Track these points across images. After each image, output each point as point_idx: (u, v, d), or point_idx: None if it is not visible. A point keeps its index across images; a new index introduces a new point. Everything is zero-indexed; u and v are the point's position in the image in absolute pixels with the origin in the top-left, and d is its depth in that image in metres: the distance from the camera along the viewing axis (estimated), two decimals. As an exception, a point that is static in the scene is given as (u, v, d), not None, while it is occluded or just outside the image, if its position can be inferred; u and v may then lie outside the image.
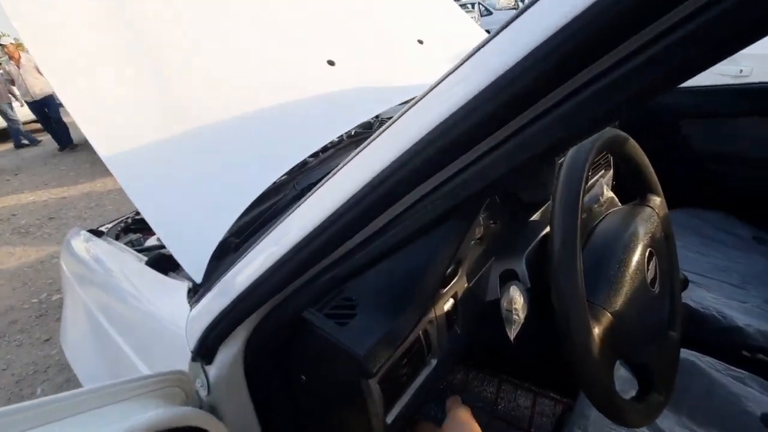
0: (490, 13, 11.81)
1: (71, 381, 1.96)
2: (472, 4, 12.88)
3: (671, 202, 1.37)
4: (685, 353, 0.83)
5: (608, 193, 0.74)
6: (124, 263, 0.81)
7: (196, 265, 0.56)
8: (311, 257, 0.40)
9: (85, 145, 5.92)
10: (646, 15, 0.21)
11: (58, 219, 4.09)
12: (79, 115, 0.66)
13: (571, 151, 0.52)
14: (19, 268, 3.24)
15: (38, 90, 5.60)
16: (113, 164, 0.62)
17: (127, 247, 0.92)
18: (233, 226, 0.62)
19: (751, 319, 0.90)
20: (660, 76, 0.23)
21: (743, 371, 0.78)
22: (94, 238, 1.07)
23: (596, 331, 0.46)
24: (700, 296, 0.98)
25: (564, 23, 0.23)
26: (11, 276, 3.15)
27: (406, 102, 0.92)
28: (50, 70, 0.68)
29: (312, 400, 0.51)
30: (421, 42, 1.23)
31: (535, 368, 1.09)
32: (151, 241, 1.07)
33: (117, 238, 1.11)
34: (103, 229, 1.21)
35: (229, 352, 0.47)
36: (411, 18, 1.35)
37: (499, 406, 1.11)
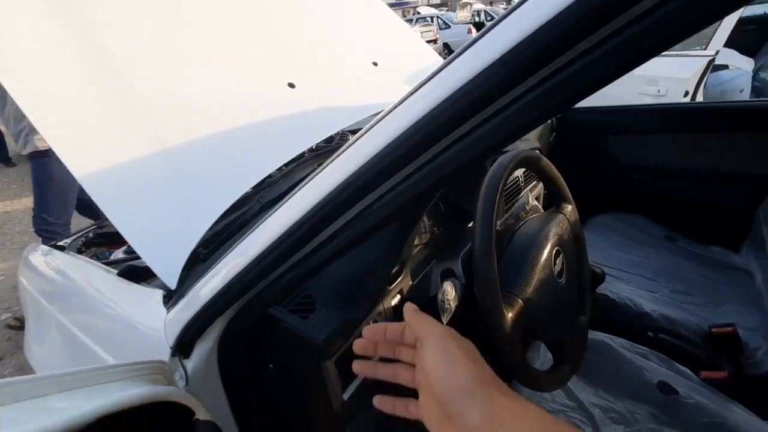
0: (448, 26, 12.28)
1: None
2: (432, 18, 13.34)
3: (599, 207, 1.56)
4: (602, 335, 0.97)
5: (533, 202, 0.87)
6: (94, 275, 0.85)
7: (170, 274, 0.62)
8: (274, 262, 0.48)
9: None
10: (568, 42, 0.30)
11: (2, 235, 3.86)
12: (45, 127, 0.71)
13: (491, 169, 0.63)
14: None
15: None
16: (83, 178, 0.68)
17: (93, 261, 0.96)
18: (202, 237, 0.69)
19: (657, 306, 1.06)
20: (581, 87, 0.31)
21: (647, 348, 0.93)
22: (57, 252, 1.09)
23: (510, 314, 0.57)
24: (618, 288, 1.14)
25: (497, 57, 0.31)
26: None
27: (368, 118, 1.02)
28: (15, 86, 0.72)
29: (279, 385, 0.59)
30: (375, 64, 1.34)
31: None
32: (116, 255, 1.10)
33: (79, 252, 1.13)
34: (62, 244, 1.21)
35: (205, 346, 0.54)
36: (367, 41, 1.46)
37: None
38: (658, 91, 2.10)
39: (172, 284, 0.62)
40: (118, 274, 0.77)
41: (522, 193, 0.96)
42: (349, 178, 0.41)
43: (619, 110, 1.61)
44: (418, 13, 17.56)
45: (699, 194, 1.45)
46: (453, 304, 0.61)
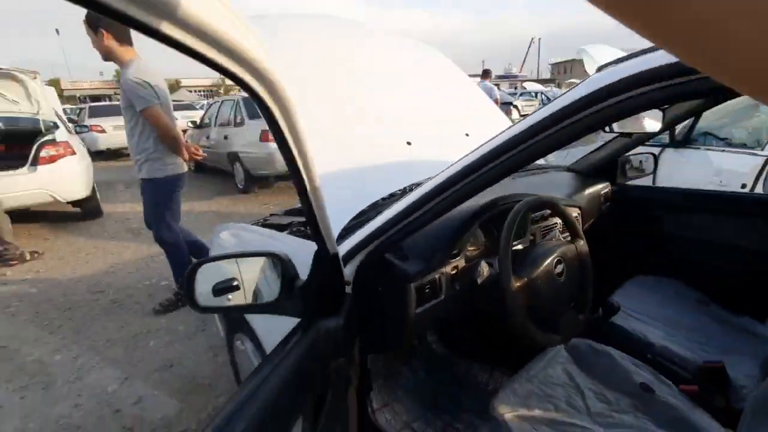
0: (550, 101, 12.71)
1: (175, 341, 2.59)
2: (536, 93, 13.94)
3: (642, 267, 1.82)
4: (608, 348, 1.27)
5: (559, 236, 1.27)
6: (278, 234, 1.45)
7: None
8: (390, 227, 0.98)
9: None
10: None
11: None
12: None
13: (512, 211, 1.07)
14: (132, 260, 4.05)
15: None
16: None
17: (273, 231, 1.57)
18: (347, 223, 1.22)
19: (665, 342, 1.33)
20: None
21: (641, 362, 1.22)
22: (245, 225, 1.74)
23: (516, 284, 0.98)
24: (636, 326, 1.42)
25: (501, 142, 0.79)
26: (126, 264, 3.97)
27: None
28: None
29: (382, 298, 1.05)
30: (467, 135, 1.87)
31: (516, 359, 1.54)
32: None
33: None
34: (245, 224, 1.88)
35: (351, 266, 1.04)
36: (464, 116, 2.01)
37: (490, 387, 1.56)
38: (720, 181, 2.28)
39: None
40: (297, 236, 1.34)
41: (553, 232, 1.36)
42: (444, 182, 0.90)
43: (667, 190, 1.90)
44: (524, 87, 18.43)
45: (736, 269, 1.65)
46: (485, 273, 1.05)
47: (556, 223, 1.41)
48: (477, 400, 1.57)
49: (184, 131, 8.70)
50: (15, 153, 4.14)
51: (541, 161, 2.41)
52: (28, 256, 3.96)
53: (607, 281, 1.74)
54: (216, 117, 7.06)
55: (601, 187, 1.84)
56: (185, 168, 2.81)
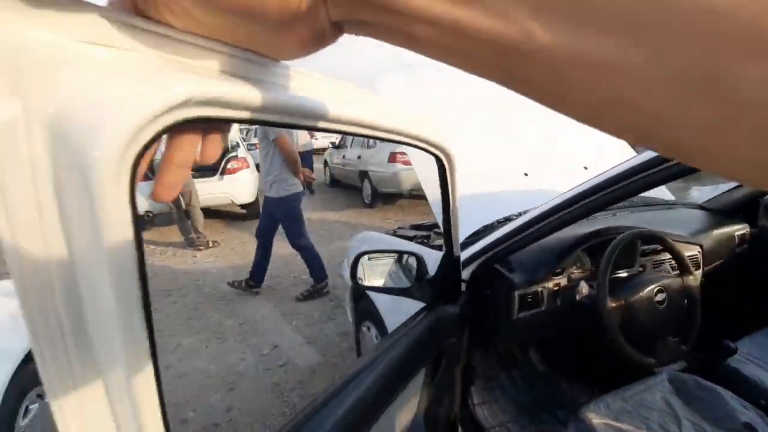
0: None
1: (311, 324, 3.16)
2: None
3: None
4: (717, 386, 1.29)
5: (669, 269, 1.35)
6: (406, 243, 1.80)
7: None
8: (500, 243, 1.23)
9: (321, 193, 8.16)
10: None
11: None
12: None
13: (619, 236, 1.21)
14: (281, 255, 4.79)
15: (302, 142, 8.09)
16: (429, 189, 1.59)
17: (402, 240, 1.92)
18: (467, 237, 1.49)
19: (787, 392, 1.28)
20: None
21: (750, 405, 1.21)
22: (382, 234, 2.14)
23: (612, 304, 1.13)
24: (753, 371, 1.37)
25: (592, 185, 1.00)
26: (276, 258, 4.67)
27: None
28: None
29: (489, 301, 1.29)
30: (586, 168, 1.98)
31: (616, 381, 1.60)
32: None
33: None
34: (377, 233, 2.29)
35: (467, 271, 1.31)
36: (582, 149, 2.12)
37: (588, 407, 1.64)
38: None
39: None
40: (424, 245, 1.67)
41: (664, 265, 1.43)
42: (550, 209, 1.12)
43: None
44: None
45: None
46: (584, 292, 1.21)
47: (670, 257, 1.46)
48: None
49: (324, 149, 10.00)
50: (210, 165, 5.43)
51: (671, 197, 2.34)
52: (211, 244, 5.13)
53: (737, 324, 1.66)
54: (352, 139, 8.01)
55: (736, 228, 1.76)
56: (301, 187, 3.50)
